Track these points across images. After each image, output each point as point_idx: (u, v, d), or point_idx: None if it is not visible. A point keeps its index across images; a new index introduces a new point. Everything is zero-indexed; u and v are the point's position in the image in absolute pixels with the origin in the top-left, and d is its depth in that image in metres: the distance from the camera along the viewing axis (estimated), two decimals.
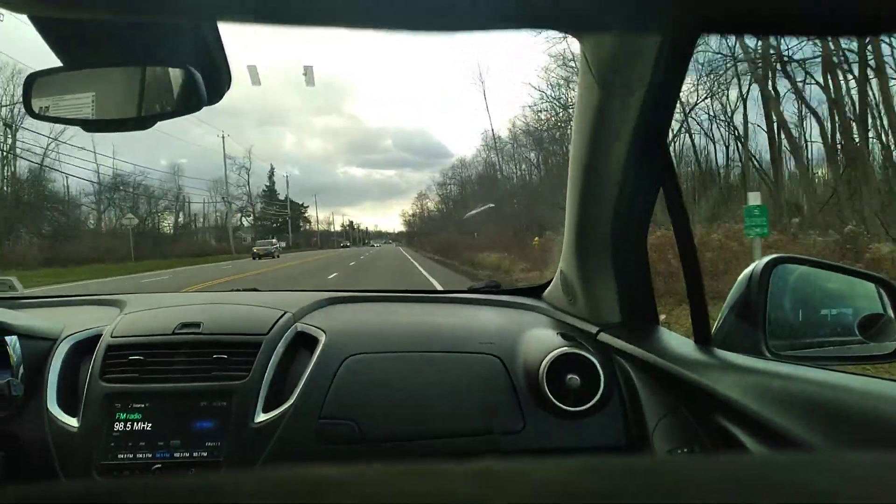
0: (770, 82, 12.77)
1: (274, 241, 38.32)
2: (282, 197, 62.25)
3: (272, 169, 62.35)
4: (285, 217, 61.66)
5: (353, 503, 0.20)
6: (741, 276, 0.98)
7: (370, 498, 0.20)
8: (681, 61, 0.86)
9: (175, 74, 0.76)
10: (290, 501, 0.21)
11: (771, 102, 12.68)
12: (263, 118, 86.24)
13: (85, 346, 1.27)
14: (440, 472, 0.22)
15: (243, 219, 56.41)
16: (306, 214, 70.36)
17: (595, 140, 1.06)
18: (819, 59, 11.68)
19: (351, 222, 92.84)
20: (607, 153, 1.05)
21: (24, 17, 0.49)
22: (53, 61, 0.75)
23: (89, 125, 0.81)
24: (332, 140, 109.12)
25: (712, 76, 13.55)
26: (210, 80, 0.75)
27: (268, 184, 61.88)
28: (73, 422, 1.16)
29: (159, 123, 0.80)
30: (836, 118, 11.71)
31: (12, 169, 29.36)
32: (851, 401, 0.65)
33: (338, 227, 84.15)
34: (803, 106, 12.80)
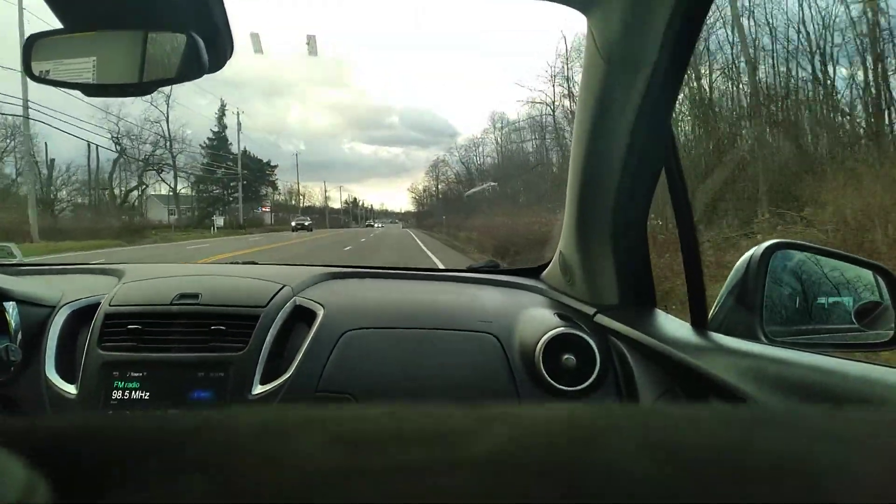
0: None
1: None
2: (238, 150, 38.18)
3: (223, 106, 38.56)
4: (247, 180, 38.97)
5: (349, 435, 0.21)
6: (740, 260, 0.98)
7: (367, 430, 0.21)
8: (689, 37, 0.85)
9: (177, 40, 0.75)
10: (290, 433, 0.21)
11: None
12: (268, 89, 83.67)
13: (83, 314, 1.28)
14: (435, 412, 0.23)
15: (147, 175, 32.15)
16: (274, 179, 45.50)
17: (599, 118, 1.05)
18: None
19: (355, 199, 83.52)
20: (611, 132, 1.04)
21: None
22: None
23: (90, 90, 0.80)
24: (339, 115, 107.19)
25: None
26: (212, 46, 0.74)
27: (215, 129, 37.70)
28: (71, 388, 1.16)
29: None
30: None
31: None
32: (849, 386, 0.64)
33: (337, 205, 72.57)
34: None
